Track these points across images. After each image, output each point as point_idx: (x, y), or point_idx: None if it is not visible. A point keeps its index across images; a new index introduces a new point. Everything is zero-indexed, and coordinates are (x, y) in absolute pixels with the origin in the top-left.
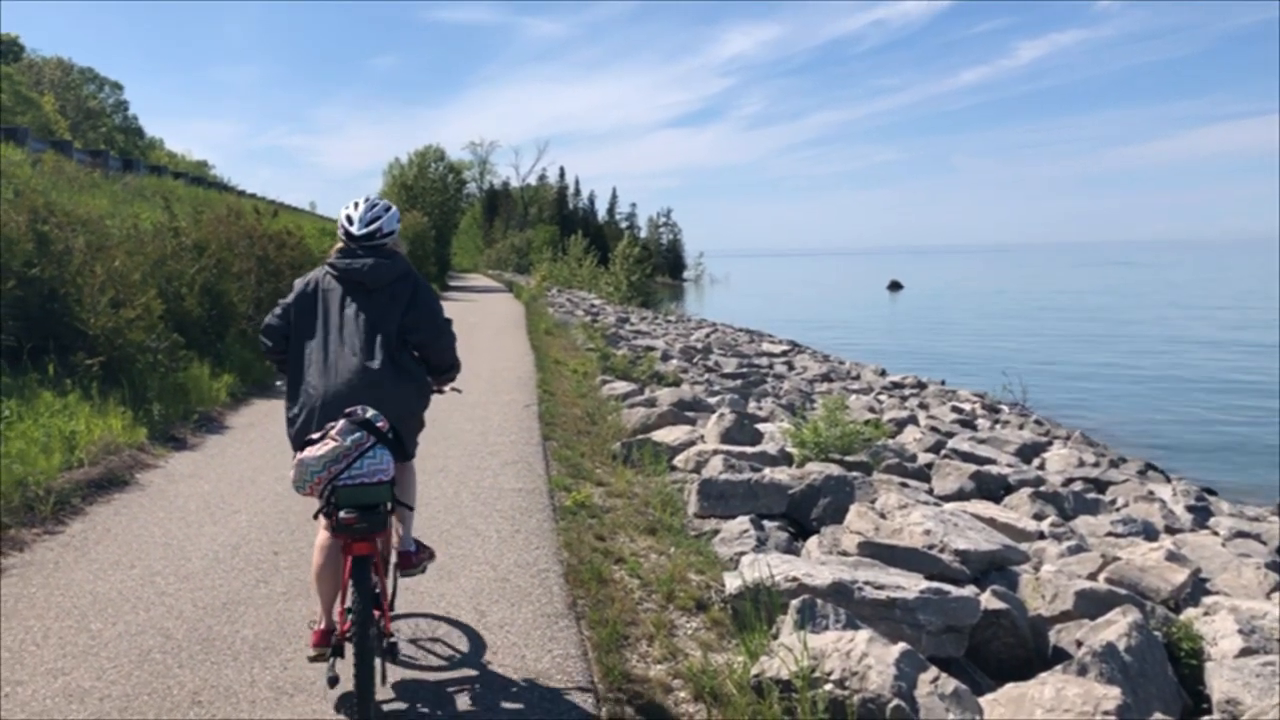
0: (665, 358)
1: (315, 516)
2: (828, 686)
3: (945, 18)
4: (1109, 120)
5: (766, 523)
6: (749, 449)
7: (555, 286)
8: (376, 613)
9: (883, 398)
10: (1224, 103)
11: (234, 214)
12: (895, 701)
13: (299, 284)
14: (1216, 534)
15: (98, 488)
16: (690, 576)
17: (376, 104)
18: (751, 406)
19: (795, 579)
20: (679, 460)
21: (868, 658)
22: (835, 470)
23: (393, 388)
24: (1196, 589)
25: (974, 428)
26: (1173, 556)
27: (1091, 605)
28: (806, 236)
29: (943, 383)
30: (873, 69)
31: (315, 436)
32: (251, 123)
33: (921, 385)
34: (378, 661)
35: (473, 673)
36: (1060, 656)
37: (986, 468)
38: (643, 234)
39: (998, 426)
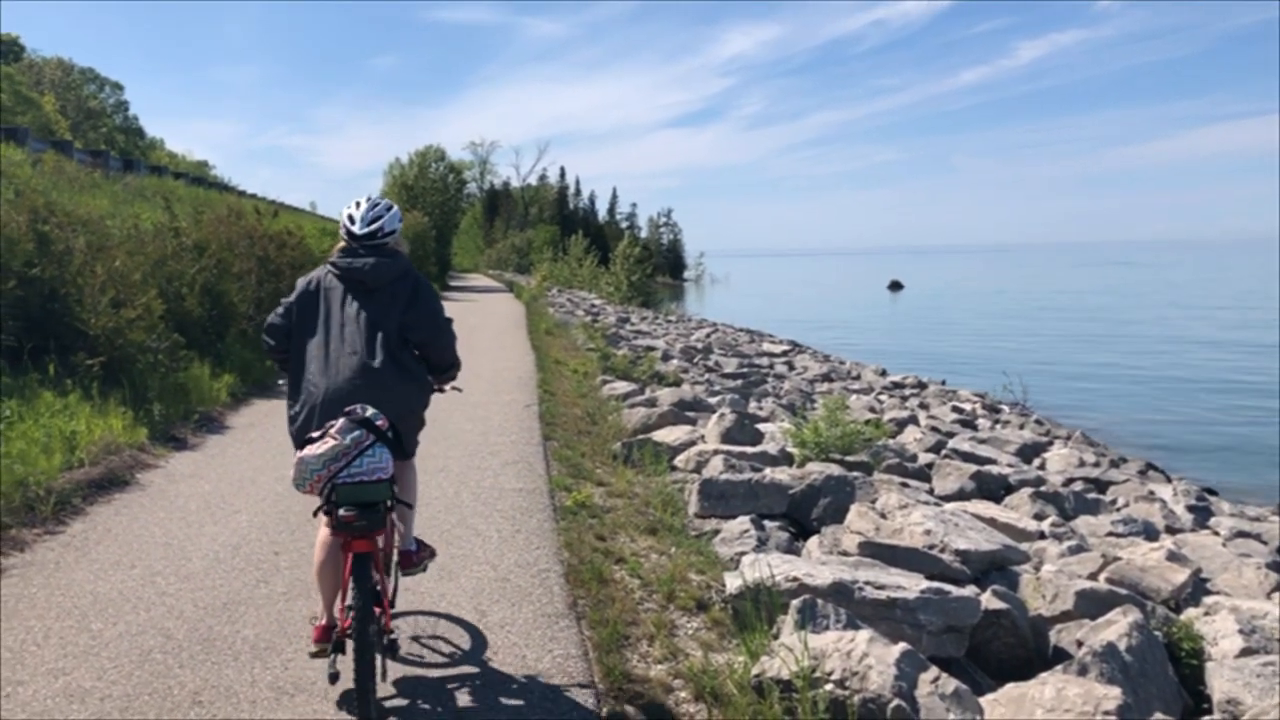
0: (666, 358)
1: (315, 514)
2: (828, 686)
3: (945, 18)
4: (1109, 120)
5: (767, 523)
6: (749, 449)
7: (556, 286)
8: (377, 610)
9: (883, 398)
10: (1224, 103)
11: (234, 214)
12: (896, 701)
13: (301, 283)
14: (1217, 534)
15: (98, 488)
16: (691, 576)
17: (376, 104)
18: (752, 406)
19: (796, 579)
20: (679, 460)
21: (868, 658)
22: (836, 470)
23: (393, 386)
24: (1197, 589)
25: (974, 428)
26: (1173, 556)
27: (1092, 605)
28: (806, 236)
29: (943, 383)
30: (873, 69)
31: (315, 435)
32: (251, 123)
33: (922, 385)
34: (378, 658)
35: (473, 670)
36: (1061, 656)
37: (987, 468)
38: (643, 234)
39: (998, 426)
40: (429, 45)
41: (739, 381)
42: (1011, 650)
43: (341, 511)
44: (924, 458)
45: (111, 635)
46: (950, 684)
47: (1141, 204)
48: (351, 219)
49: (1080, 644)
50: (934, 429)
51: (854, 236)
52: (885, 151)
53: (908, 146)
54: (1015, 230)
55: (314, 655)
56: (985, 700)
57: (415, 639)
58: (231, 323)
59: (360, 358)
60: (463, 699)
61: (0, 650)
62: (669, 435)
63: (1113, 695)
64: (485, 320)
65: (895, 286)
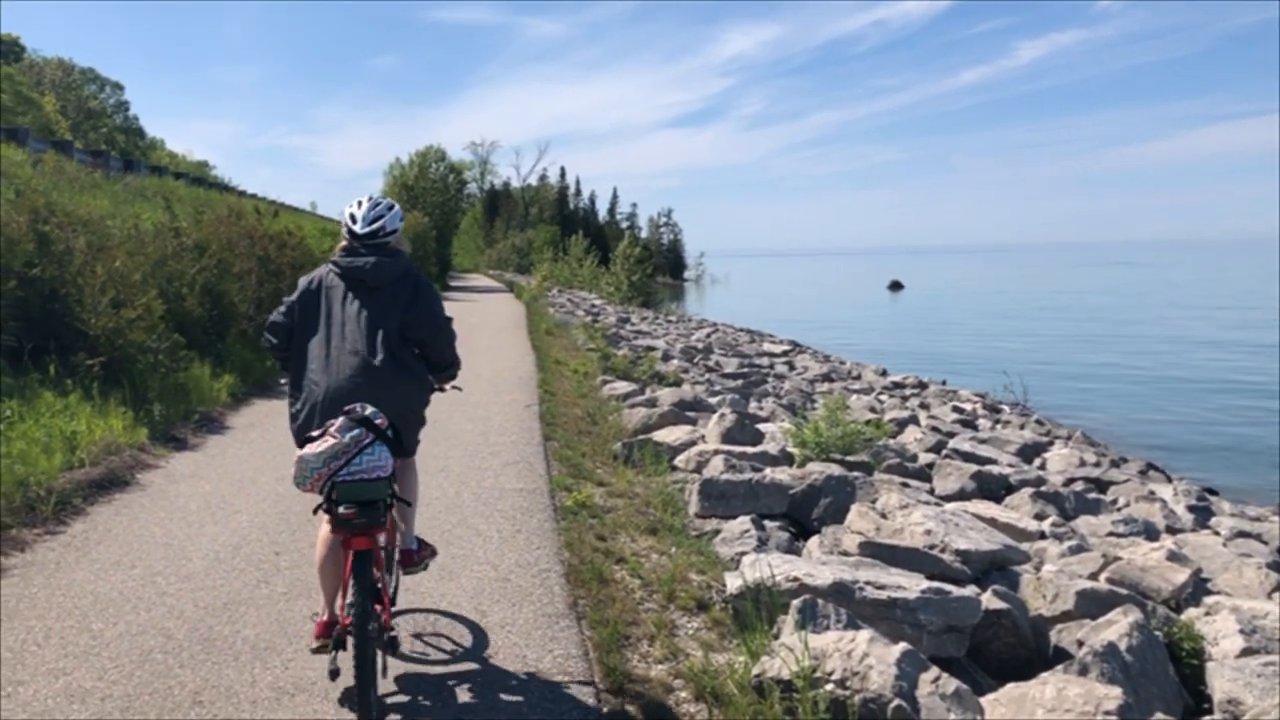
0: (666, 358)
1: (315, 512)
2: (829, 686)
3: (945, 18)
4: (1109, 120)
5: (767, 523)
6: (750, 449)
7: (556, 287)
8: (378, 607)
9: (884, 398)
10: (1224, 103)
11: (235, 214)
12: (896, 701)
13: (303, 282)
14: (1218, 534)
15: (99, 488)
16: (691, 576)
17: (376, 104)
18: (752, 406)
19: (796, 579)
20: (680, 460)
21: (869, 658)
22: (836, 470)
23: (394, 384)
24: (1198, 589)
25: (975, 428)
26: (1174, 556)
27: (1092, 605)
28: (807, 236)
29: (944, 383)
30: (873, 69)
31: (315, 434)
32: (252, 123)
33: (922, 385)
34: (379, 655)
35: (474, 667)
36: (1061, 656)
37: (987, 468)
38: (643, 234)
39: (999, 426)
40: (429, 45)
41: (739, 381)
42: (1012, 650)
43: (341, 509)
44: (924, 458)
45: (112, 635)
46: (951, 684)
47: (1141, 204)
48: (353, 218)
49: (1081, 644)
50: (934, 429)
51: (854, 236)
52: (885, 151)
53: (908, 146)
54: (1015, 230)
55: (315, 651)
56: (986, 700)
57: (417, 636)
58: (232, 323)
59: (361, 356)
60: (463, 696)
61: (1, 650)
62: (669, 435)
63: (1113, 695)
64: (485, 320)
65: (895, 286)
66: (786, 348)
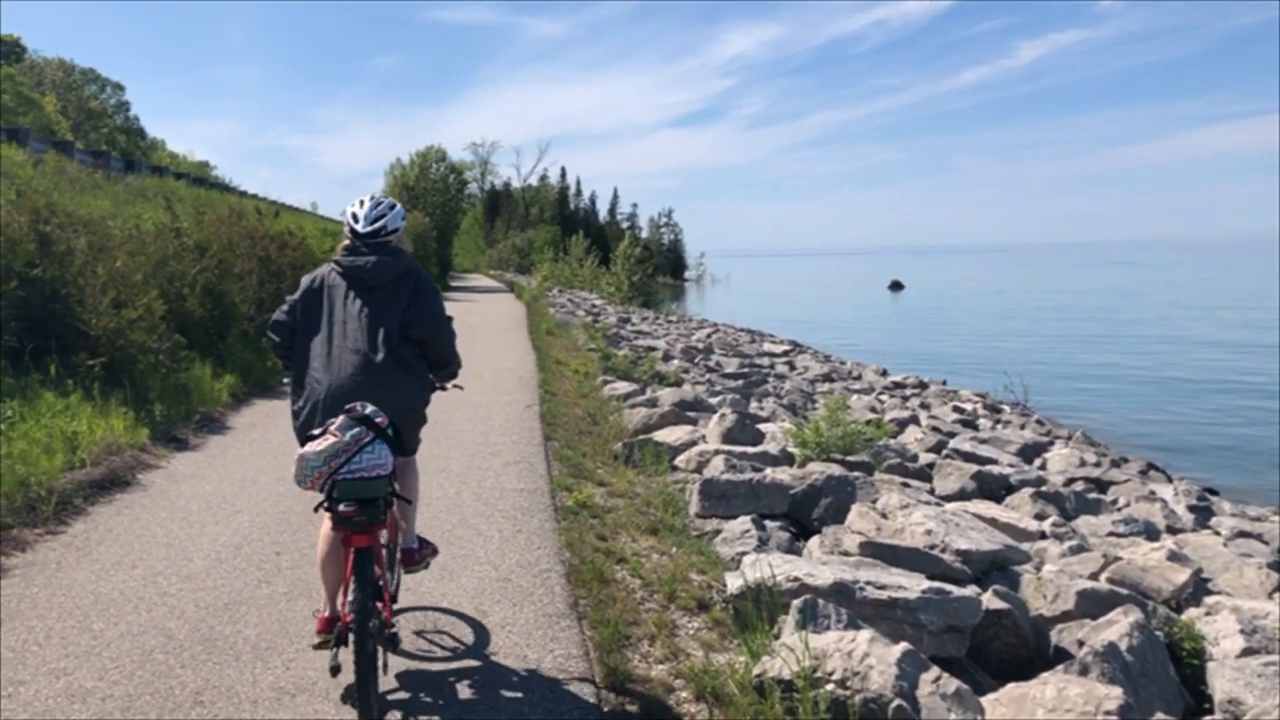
0: (666, 358)
1: (316, 510)
2: (829, 686)
3: (945, 18)
4: (1109, 120)
5: (768, 523)
6: (750, 449)
7: (556, 287)
8: (379, 604)
9: (884, 398)
10: (1224, 103)
11: (236, 214)
12: (897, 701)
13: (305, 280)
14: (1218, 534)
15: (100, 488)
16: (692, 576)
17: (377, 104)
18: (753, 406)
19: (797, 579)
20: (680, 460)
21: (869, 658)
22: (837, 470)
23: (395, 383)
24: (1198, 589)
25: (975, 428)
26: (1174, 556)
27: (1093, 605)
28: (807, 236)
29: (944, 383)
30: (873, 69)
31: (316, 432)
32: (252, 123)
33: (923, 385)
34: (379, 652)
35: (475, 665)
36: (1062, 656)
37: (988, 468)
38: (644, 234)
39: (999, 426)
40: (429, 45)
41: (740, 381)
42: (1013, 650)
43: (341, 507)
44: (925, 458)
45: (113, 635)
46: (951, 684)
47: (1141, 204)
48: (355, 217)
49: (1081, 644)
50: (935, 429)
51: (854, 236)
52: (885, 151)
53: (908, 146)
54: (1015, 230)
55: (316, 647)
56: (986, 700)
57: (418, 634)
58: (233, 323)
59: (363, 354)
60: (464, 694)
61: (2, 650)
62: (670, 435)
63: (1114, 695)
64: (486, 320)
65: (896, 286)
66: (787, 348)
